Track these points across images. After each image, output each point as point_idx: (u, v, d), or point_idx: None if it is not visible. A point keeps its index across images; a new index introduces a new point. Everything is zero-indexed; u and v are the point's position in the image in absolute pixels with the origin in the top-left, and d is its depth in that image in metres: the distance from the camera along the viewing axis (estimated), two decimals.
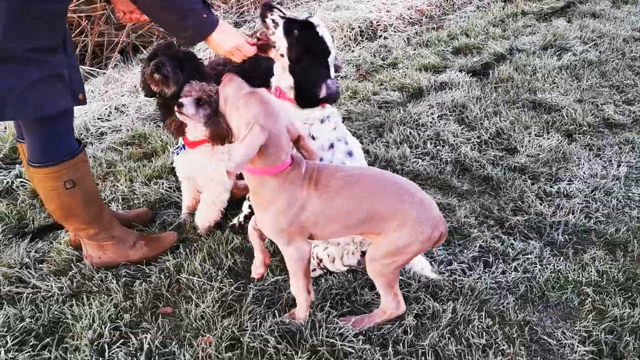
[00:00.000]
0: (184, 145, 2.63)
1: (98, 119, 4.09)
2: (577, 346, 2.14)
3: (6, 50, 1.88)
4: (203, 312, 2.24)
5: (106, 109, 4.19)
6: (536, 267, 2.53)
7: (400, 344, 2.12)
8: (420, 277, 2.42)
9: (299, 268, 2.07)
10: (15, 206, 3.01)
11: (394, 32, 5.78)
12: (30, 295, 2.39)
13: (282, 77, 2.32)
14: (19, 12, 1.84)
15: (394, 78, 4.60)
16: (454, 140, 3.57)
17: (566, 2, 6.48)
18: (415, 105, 4.07)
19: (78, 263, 2.55)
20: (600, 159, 3.44)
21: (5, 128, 3.75)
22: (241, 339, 2.10)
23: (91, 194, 2.39)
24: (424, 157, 3.41)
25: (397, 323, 2.19)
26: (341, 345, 2.07)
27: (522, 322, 2.25)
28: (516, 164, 3.34)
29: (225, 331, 2.13)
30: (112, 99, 4.36)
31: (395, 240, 1.97)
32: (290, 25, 2.24)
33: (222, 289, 2.36)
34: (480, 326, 2.19)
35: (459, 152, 3.46)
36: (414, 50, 5.31)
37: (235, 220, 2.68)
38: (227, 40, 2.19)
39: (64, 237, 2.72)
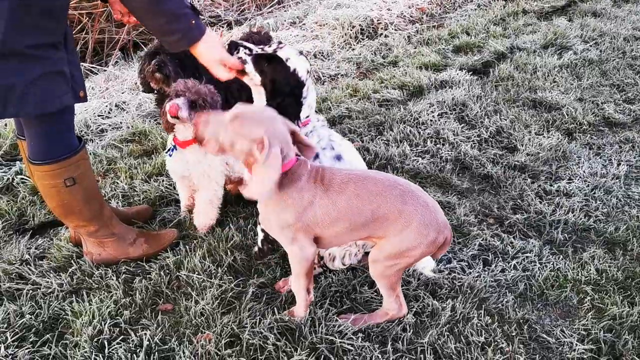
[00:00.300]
0: (175, 146, 2.60)
1: (98, 116, 4.09)
2: (576, 344, 2.15)
3: (10, 46, 1.87)
4: (203, 309, 2.25)
5: (106, 106, 4.19)
6: (535, 265, 2.53)
7: (400, 342, 2.12)
8: (419, 275, 2.42)
9: (302, 268, 2.05)
10: (16, 203, 3.02)
11: (395, 30, 5.78)
12: (30, 291, 2.39)
13: (259, 102, 2.29)
14: (21, 8, 1.84)
15: (394, 76, 4.60)
16: (454, 139, 3.57)
17: (567, 1, 6.48)
18: (416, 104, 4.07)
19: (78, 260, 2.56)
20: (600, 158, 3.44)
21: (6, 125, 3.75)
22: (241, 336, 2.10)
23: (91, 192, 2.39)
24: (424, 156, 3.41)
25: (396, 321, 2.20)
26: (340, 342, 2.08)
27: (521, 320, 2.25)
28: (516, 163, 3.34)
29: (225, 328, 2.13)
30: (112, 96, 4.36)
31: (400, 242, 1.95)
32: (259, 60, 2.19)
33: (222, 286, 2.36)
34: (479, 324, 2.20)
35: (459, 150, 3.46)
36: (415, 48, 5.31)
37: (255, 249, 2.55)
38: (213, 52, 2.15)
39: (64, 234, 2.73)
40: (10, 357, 2.08)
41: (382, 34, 5.69)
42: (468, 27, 5.74)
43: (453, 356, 2.08)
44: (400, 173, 3.22)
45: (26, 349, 2.11)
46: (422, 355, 2.07)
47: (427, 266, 2.41)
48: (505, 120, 3.81)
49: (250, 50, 2.21)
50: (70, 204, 2.33)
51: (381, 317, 2.19)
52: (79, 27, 5.08)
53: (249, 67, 2.19)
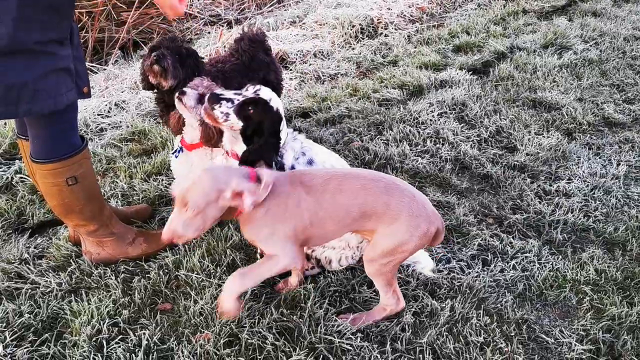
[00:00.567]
0: (181, 148, 2.62)
1: (98, 115, 4.09)
2: (575, 345, 2.15)
3: (17, 43, 1.87)
4: (201, 308, 2.24)
5: (106, 105, 4.19)
6: (535, 265, 2.53)
7: (399, 342, 2.12)
8: (419, 275, 2.42)
9: (271, 274, 2.03)
10: (15, 202, 3.02)
11: (395, 29, 5.78)
12: (29, 290, 2.39)
13: (236, 144, 2.32)
14: (28, 4, 1.84)
15: (394, 76, 4.59)
16: (454, 139, 3.57)
17: (567, 1, 6.48)
18: (416, 103, 4.07)
19: (77, 259, 2.56)
20: (600, 158, 3.44)
21: (5, 124, 3.75)
22: (239, 336, 2.10)
23: (92, 191, 2.39)
24: (424, 155, 3.41)
25: (395, 321, 2.20)
26: (339, 342, 2.08)
27: (520, 321, 2.25)
28: (516, 163, 3.34)
29: (224, 328, 2.13)
30: (112, 95, 4.36)
31: (392, 236, 1.95)
32: (243, 107, 2.21)
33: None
34: (478, 324, 2.20)
35: (458, 150, 3.46)
36: (415, 48, 5.30)
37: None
38: None
39: (63, 233, 2.73)
40: (9, 356, 2.08)
41: (382, 33, 5.68)
42: (468, 27, 5.74)
43: (452, 356, 2.07)
44: (400, 173, 3.22)
45: (25, 348, 2.11)
46: (421, 355, 2.07)
47: (426, 266, 2.41)
48: (505, 120, 3.81)
49: (231, 101, 2.22)
50: (71, 202, 2.32)
51: (379, 313, 2.19)
52: (79, 26, 5.07)
53: (232, 118, 2.21)
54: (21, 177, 3.20)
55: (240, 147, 2.31)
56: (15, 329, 2.18)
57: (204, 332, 2.15)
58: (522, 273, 2.49)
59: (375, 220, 1.96)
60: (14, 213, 2.93)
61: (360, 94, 4.31)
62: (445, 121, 3.79)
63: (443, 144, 3.53)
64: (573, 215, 2.86)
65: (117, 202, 3.01)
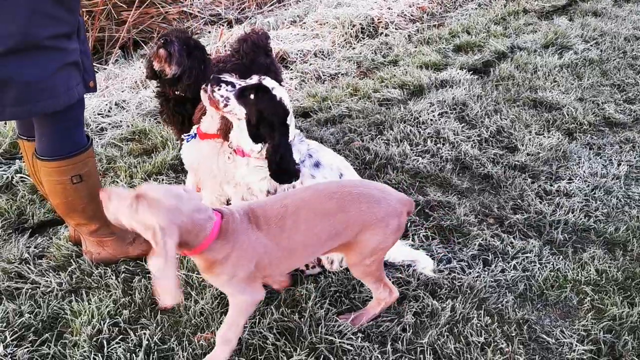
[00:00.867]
0: (195, 134, 2.60)
1: (98, 114, 4.09)
2: (576, 345, 2.15)
3: (29, 39, 1.87)
4: (202, 308, 2.24)
5: (106, 104, 4.18)
6: (535, 265, 2.53)
7: (399, 342, 2.12)
8: (419, 275, 2.42)
9: (248, 314, 1.97)
10: (15, 201, 3.01)
11: (395, 29, 5.77)
12: (30, 290, 2.39)
13: (241, 138, 2.26)
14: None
15: (394, 75, 4.59)
16: (455, 138, 3.57)
17: (568, 1, 6.47)
18: (416, 103, 4.06)
19: (77, 259, 2.56)
20: (601, 158, 3.44)
21: (5, 124, 3.75)
22: (240, 336, 2.10)
23: (95, 190, 2.38)
24: (424, 155, 3.41)
25: (396, 321, 2.20)
26: (340, 342, 2.08)
27: (520, 321, 2.25)
28: (516, 163, 3.34)
29: None
30: (112, 95, 4.36)
31: (366, 241, 1.93)
32: (244, 93, 2.16)
33: None
34: (479, 324, 2.20)
35: (459, 150, 3.46)
36: (415, 47, 5.30)
37: None
38: None
39: (63, 233, 2.72)
40: (9, 356, 2.08)
41: (382, 33, 5.68)
42: (469, 27, 5.73)
43: (453, 356, 2.07)
44: (400, 173, 3.21)
45: (25, 348, 2.11)
46: (421, 356, 2.07)
47: (427, 266, 2.41)
48: (506, 119, 3.81)
49: (233, 85, 2.19)
50: (74, 201, 2.32)
51: (375, 307, 2.19)
52: None
53: (232, 103, 2.17)
54: (21, 177, 3.20)
55: (246, 142, 2.25)
56: (16, 329, 2.18)
57: (204, 332, 2.15)
58: (523, 273, 2.49)
59: (344, 236, 1.91)
60: (14, 213, 2.93)
61: (360, 94, 4.31)
62: (445, 121, 3.78)
63: (444, 144, 3.52)
64: (574, 216, 2.86)
65: None
